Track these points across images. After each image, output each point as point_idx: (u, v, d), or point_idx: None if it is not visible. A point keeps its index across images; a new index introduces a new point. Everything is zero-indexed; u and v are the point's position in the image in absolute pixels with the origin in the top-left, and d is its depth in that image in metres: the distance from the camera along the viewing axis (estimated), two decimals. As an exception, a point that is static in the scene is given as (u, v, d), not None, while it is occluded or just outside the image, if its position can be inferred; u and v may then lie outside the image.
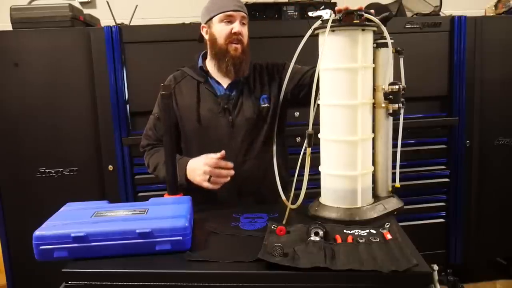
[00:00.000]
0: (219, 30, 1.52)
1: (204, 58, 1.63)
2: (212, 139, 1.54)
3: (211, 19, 1.53)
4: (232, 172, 1.41)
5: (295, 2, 2.35)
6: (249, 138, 1.56)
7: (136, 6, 2.38)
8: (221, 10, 1.50)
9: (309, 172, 1.26)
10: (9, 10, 2.12)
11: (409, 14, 2.65)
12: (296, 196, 1.30)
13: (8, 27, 2.15)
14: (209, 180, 1.41)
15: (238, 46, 1.51)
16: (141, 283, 1.00)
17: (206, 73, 1.59)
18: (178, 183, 1.40)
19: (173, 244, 1.08)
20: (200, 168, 1.42)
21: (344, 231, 1.17)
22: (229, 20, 1.51)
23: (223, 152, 1.42)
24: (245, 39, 1.54)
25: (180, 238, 1.08)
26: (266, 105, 1.58)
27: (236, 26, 1.50)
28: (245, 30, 1.54)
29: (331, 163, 1.32)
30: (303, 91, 1.55)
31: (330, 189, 1.32)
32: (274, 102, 1.59)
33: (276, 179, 1.44)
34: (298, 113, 2.20)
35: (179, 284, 1.00)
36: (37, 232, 1.06)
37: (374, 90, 1.30)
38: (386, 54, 1.28)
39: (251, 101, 1.57)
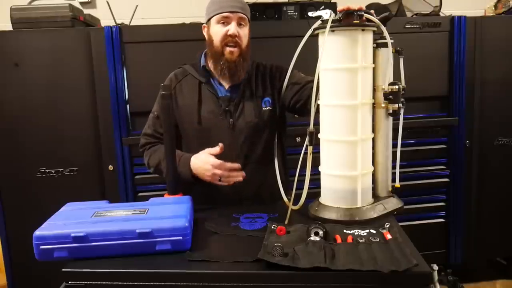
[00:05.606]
0: (216, 31, 1.49)
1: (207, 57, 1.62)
2: (212, 141, 1.52)
3: (209, 19, 1.52)
4: (243, 173, 1.43)
5: (295, 2, 2.36)
6: (250, 141, 1.55)
7: (136, 6, 2.38)
8: (218, 11, 1.48)
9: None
10: (9, 10, 2.12)
11: (409, 14, 2.65)
12: (297, 197, 1.31)
13: (8, 27, 2.15)
14: (220, 180, 1.43)
15: (234, 49, 1.48)
16: (141, 283, 1.00)
17: (209, 72, 1.57)
18: (182, 180, 1.42)
19: (173, 244, 1.08)
20: (208, 169, 1.42)
21: (344, 231, 1.17)
22: (225, 21, 1.47)
23: (221, 145, 1.43)
24: (244, 40, 1.50)
25: (180, 238, 1.08)
26: (268, 108, 1.57)
27: (232, 28, 1.46)
28: (243, 32, 1.50)
29: (331, 163, 1.32)
30: (300, 103, 1.52)
31: (330, 189, 1.32)
32: (276, 105, 1.58)
33: (275, 183, 1.43)
34: (297, 113, 2.20)
35: (179, 284, 1.00)
36: (37, 232, 1.06)
37: (374, 90, 1.30)
38: (386, 54, 1.28)
39: (252, 104, 1.56)
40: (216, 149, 1.43)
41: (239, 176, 1.43)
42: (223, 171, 1.42)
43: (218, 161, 1.42)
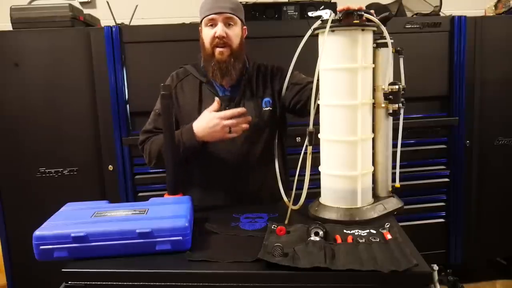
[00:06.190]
0: (205, 34, 1.50)
1: None
2: (212, 141, 1.53)
3: (201, 22, 1.53)
4: (249, 117, 1.42)
5: (295, 2, 2.35)
6: (249, 141, 1.54)
7: (136, 6, 2.38)
8: (204, 15, 1.49)
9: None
10: (9, 10, 2.12)
11: (409, 14, 2.65)
12: (297, 197, 1.31)
13: (8, 27, 2.15)
14: (229, 132, 1.41)
15: (224, 49, 1.48)
16: (141, 283, 1.00)
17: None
18: (188, 151, 1.43)
19: (173, 244, 1.08)
20: (216, 123, 1.40)
21: (344, 231, 1.17)
22: (212, 23, 1.48)
23: (217, 99, 1.43)
24: (235, 40, 1.50)
25: (180, 238, 1.08)
26: (268, 108, 1.57)
27: (218, 30, 1.46)
28: (233, 32, 1.49)
29: (331, 163, 1.31)
30: (300, 104, 1.53)
31: (330, 189, 1.32)
32: (276, 106, 1.58)
33: (275, 183, 1.43)
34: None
35: (179, 284, 1.00)
36: (37, 232, 1.06)
37: (374, 90, 1.30)
38: (386, 54, 1.28)
39: (252, 104, 1.55)
40: (215, 105, 1.42)
41: (247, 120, 1.41)
42: (231, 120, 1.39)
43: (223, 111, 1.40)
